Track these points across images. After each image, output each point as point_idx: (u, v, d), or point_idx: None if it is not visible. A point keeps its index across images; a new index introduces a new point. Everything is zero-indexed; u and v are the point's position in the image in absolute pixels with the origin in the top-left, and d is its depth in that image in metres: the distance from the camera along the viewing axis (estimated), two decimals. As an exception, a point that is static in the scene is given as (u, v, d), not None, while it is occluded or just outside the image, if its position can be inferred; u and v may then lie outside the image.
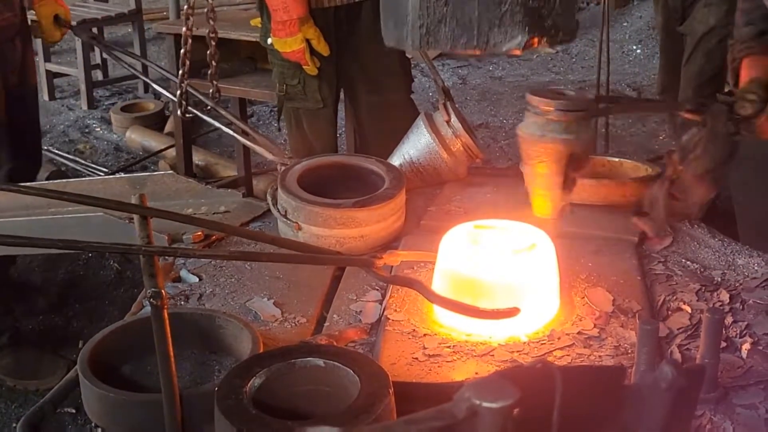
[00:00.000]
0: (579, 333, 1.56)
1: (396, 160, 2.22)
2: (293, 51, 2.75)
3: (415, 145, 2.21)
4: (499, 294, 1.55)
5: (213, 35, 2.25)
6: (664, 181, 1.76)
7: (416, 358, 1.50)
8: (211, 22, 2.20)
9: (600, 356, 1.50)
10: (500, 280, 1.57)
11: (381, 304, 1.70)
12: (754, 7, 2.00)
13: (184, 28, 2.12)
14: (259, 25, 3.77)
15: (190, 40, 2.16)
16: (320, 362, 1.35)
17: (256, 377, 1.32)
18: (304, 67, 2.81)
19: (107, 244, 1.31)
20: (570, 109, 1.55)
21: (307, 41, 2.74)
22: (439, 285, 1.63)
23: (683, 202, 1.77)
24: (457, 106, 2.28)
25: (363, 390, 1.27)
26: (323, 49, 2.78)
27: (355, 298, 1.73)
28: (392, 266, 1.76)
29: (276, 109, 5.47)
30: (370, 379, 1.29)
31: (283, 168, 2.04)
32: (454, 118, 2.18)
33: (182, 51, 2.18)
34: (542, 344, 1.53)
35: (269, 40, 2.93)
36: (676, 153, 1.76)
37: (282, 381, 1.34)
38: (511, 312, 1.50)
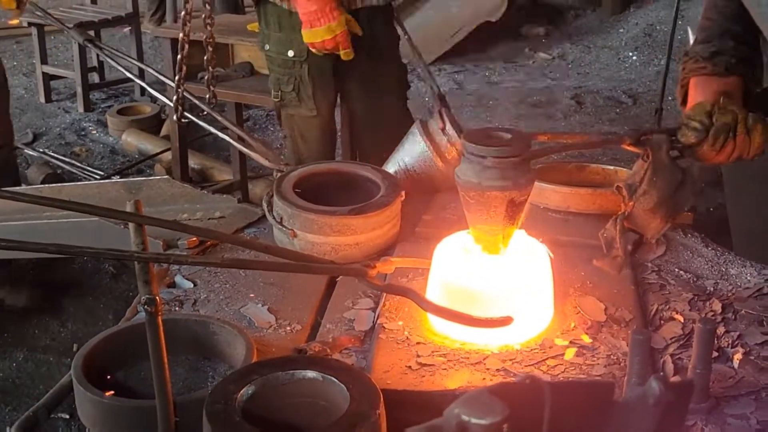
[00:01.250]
0: (571, 342, 1.57)
1: (391, 167, 2.22)
2: (335, 36, 2.73)
3: (410, 153, 2.21)
4: (492, 302, 1.56)
5: (210, 41, 2.24)
6: (616, 218, 1.76)
7: (410, 366, 1.51)
8: (209, 28, 2.20)
9: (592, 366, 1.50)
10: (493, 288, 1.58)
11: (375, 311, 1.70)
12: (714, 24, 2.00)
13: (181, 34, 2.12)
14: (256, 30, 3.79)
15: (187, 46, 2.16)
16: (314, 375, 1.36)
17: (249, 386, 1.32)
18: (343, 51, 2.79)
19: (100, 250, 1.31)
20: (505, 155, 1.50)
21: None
22: (432, 293, 1.64)
23: (641, 235, 1.75)
24: (452, 111, 2.29)
25: (350, 408, 1.28)
26: (358, 29, 2.79)
27: (349, 305, 1.74)
28: (386, 274, 1.77)
29: (273, 113, 5.48)
30: (360, 397, 1.30)
31: (278, 174, 2.05)
32: (448, 126, 2.19)
33: (179, 57, 2.18)
34: (535, 353, 1.54)
35: (267, 46, 2.94)
36: (624, 189, 1.75)
37: (274, 391, 1.35)
38: (504, 321, 1.51)
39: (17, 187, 3.50)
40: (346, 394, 1.30)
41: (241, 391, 1.31)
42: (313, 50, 2.81)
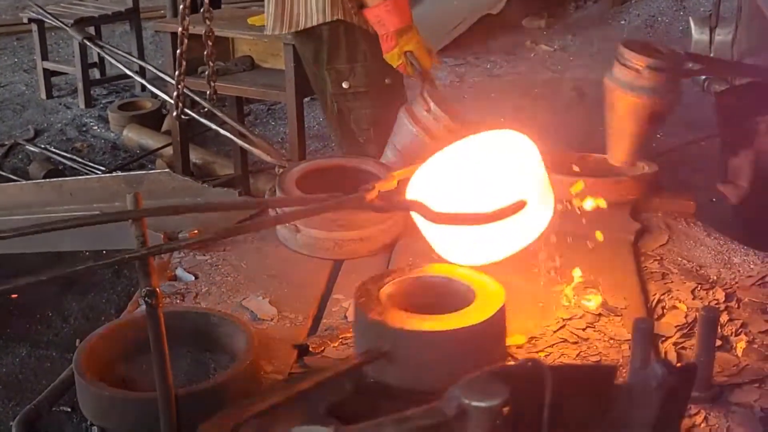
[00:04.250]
0: (572, 331, 1.56)
1: (389, 153, 2.21)
2: (397, 67, 2.47)
3: (402, 139, 2.20)
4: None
5: (210, 35, 2.21)
6: None
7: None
8: (207, 23, 2.17)
9: (593, 354, 1.50)
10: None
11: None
12: None
13: (179, 28, 2.10)
14: (257, 24, 3.77)
15: (186, 41, 2.14)
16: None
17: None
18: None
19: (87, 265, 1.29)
20: (662, 68, 1.59)
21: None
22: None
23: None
24: (440, 90, 2.26)
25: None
26: (425, 61, 2.46)
27: (350, 296, 1.73)
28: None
29: (274, 107, 5.45)
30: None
31: (280, 170, 2.04)
32: (433, 106, 2.15)
33: (178, 52, 2.15)
34: (535, 342, 1.53)
35: (346, 84, 2.59)
36: None
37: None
38: (518, 206, 1.44)
39: (16, 182, 3.50)
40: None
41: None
42: None
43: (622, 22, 7.16)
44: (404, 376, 1.38)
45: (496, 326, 1.43)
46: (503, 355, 1.46)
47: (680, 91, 1.64)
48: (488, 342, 1.42)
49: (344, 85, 2.57)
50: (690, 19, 6.06)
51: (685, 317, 1.62)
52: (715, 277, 1.77)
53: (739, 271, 1.80)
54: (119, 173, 3.82)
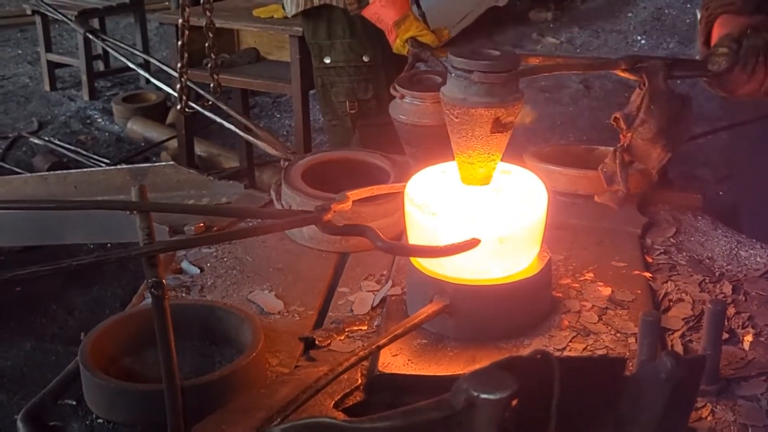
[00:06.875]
0: (578, 323, 1.56)
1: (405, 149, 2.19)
2: (408, 54, 2.52)
3: (401, 133, 2.17)
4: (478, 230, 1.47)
5: (211, 27, 2.20)
6: (615, 150, 1.71)
7: (417, 350, 1.50)
8: (208, 14, 2.15)
9: (599, 348, 1.49)
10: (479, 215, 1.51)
11: (382, 294, 1.69)
12: None
13: (180, 20, 2.09)
14: (262, 16, 3.77)
15: (187, 32, 2.12)
16: None
17: None
18: None
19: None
20: (493, 70, 1.44)
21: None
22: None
23: (642, 166, 1.71)
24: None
25: None
26: (429, 40, 2.50)
27: (356, 288, 1.73)
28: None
29: (279, 99, 5.45)
30: None
31: (286, 163, 2.03)
32: (407, 93, 2.11)
33: (180, 44, 2.15)
34: (541, 335, 1.53)
35: (328, 59, 2.79)
36: (621, 119, 1.68)
37: None
38: (469, 244, 1.41)
39: (20, 175, 3.50)
40: None
41: None
42: None
43: (630, 15, 7.14)
44: (463, 328, 1.50)
45: (544, 279, 1.56)
46: (550, 305, 1.59)
47: (522, 93, 1.50)
48: (539, 293, 1.56)
49: (326, 60, 2.77)
50: (697, 11, 6.04)
51: (692, 310, 1.61)
52: (722, 270, 1.76)
53: (746, 264, 1.79)
54: (124, 166, 3.82)
